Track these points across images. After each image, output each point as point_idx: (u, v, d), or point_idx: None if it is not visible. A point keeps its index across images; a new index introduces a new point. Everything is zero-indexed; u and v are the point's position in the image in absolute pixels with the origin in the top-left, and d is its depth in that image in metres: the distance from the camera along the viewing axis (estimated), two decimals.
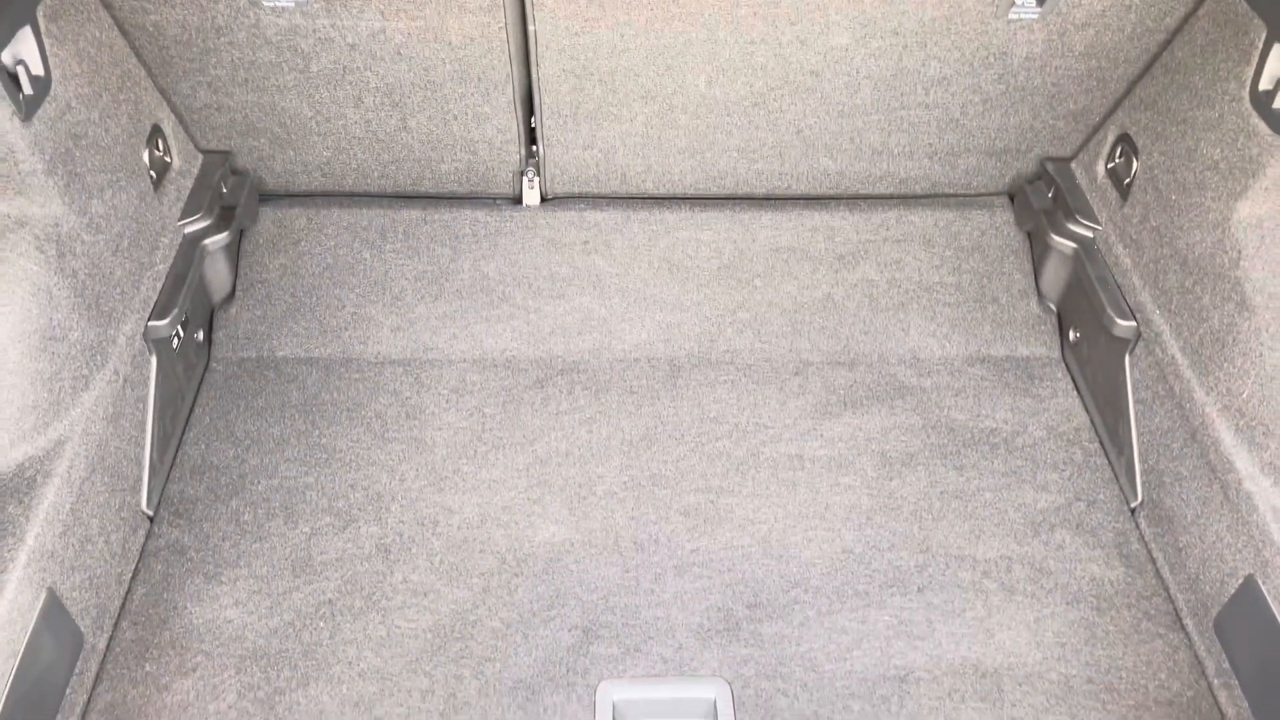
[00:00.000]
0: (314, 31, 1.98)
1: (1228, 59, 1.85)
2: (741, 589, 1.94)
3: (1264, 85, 1.74)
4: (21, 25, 1.61)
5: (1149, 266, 2.08)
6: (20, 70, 1.60)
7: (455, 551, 1.97)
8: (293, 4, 1.91)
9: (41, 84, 1.67)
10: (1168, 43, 2.03)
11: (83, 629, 1.73)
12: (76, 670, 1.72)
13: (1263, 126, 1.75)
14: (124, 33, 1.96)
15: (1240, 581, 1.76)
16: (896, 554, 2.00)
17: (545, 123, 2.25)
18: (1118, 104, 2.21)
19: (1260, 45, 1.75)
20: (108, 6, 1.89)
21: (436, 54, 2.05)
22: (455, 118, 2.23)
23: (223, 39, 2.00)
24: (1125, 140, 2.19)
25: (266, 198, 2.46)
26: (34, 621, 1.57)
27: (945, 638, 1.88)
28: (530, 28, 1.98)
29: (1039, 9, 1.95)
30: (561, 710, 1.76)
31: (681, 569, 1.97)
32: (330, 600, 1.89)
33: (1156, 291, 2.04)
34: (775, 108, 2.21)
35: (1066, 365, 2.37)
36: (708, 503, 2.07)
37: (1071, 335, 2.37)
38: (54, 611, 1.64)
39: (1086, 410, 2.27)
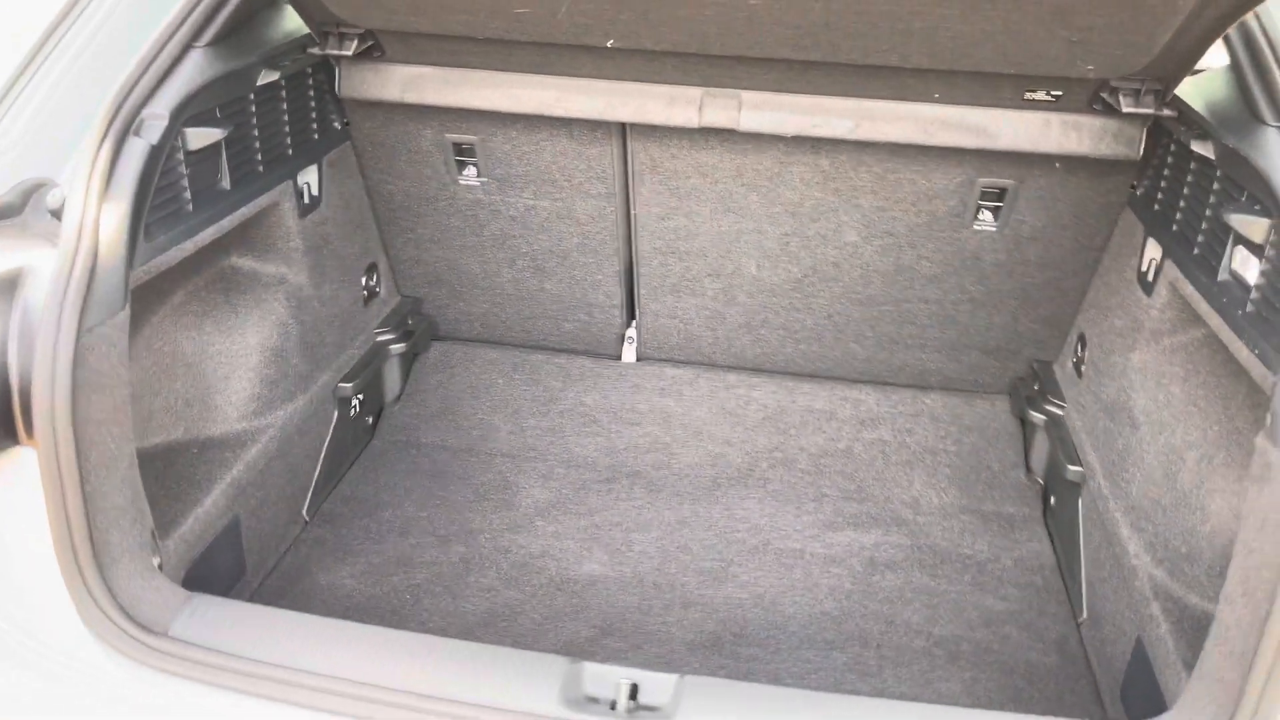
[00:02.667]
0: (489, 204, 2.93)
1: (1128, 257, 2.50)
2: (732, 624, 2.43)
3: (1142, 267, 2.37)
4: (312, 163, 2.61)
5: (1090, 423, 2.60)
6: (304, 187, 2.58)
7: (517, 570, 2.57)
8: (479, 184, 2.88)
9: (316, 201, 2.65)
10: (1100, 257, 2.69)
11: (247, 564, 2.42)
12: (232, 593, 2.38)
13: (1141, 294, 2.35)
14: (368, 193, 2.96)
15: (1133, 646, 2.13)
16: (866, 622, 2.45)
17: (641, 291, 3.07)
18: (1078, 310, 2.84)
19: (1141, 240, 2.40)
20: (363, 173, 2.91)
21: (568, 228, 2.94)
22: (578, 282, 3.09)
23: (429, 206, 2.97)
24: (1081, 338, 2.79)
25: (438, 337, 3.35)
26: (219, 532, 2.28)
27: (891, 678, 2.29)
28: (632, 211, 2.85)
29: (995, 223, 2.67)
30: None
31: (687, 605, 2.48)
32: (418, 585, 2.51)
33: (1093, 440, 2.55)
34: (810, 292, 2.95)
35: (1046, 525, 2.82)
36: (719, 568, 2.61)
37: (1051, 501, 2.84)
38: (233, 534, 2.34)
39: (1055, 553, 2.70)
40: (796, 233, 2.80)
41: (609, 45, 2.24)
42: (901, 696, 2.24)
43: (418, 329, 3.20)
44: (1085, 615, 2.46)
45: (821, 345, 3.09)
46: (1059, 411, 2.82)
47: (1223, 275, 1.96)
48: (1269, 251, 1.77)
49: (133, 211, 1.83)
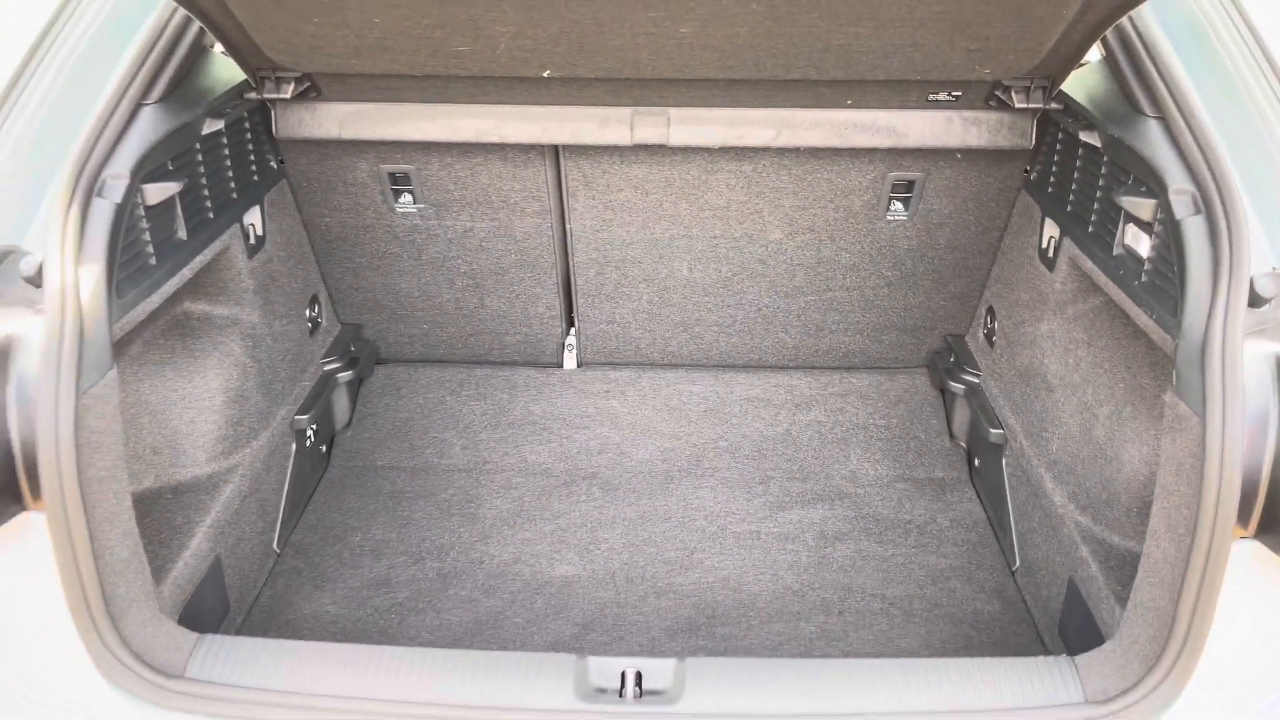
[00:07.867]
0: (427, 229, 3.01)
1: (1028, 235, 2.75)
2: (704, 608, 2.59)
3: (1042, 244, 2.62)
4: (254, 204, 2.66)
5: (1007, 389, 2.85)
6: (250, 228, 2.62)
7: (493, 579, 2.68)
8: (415, 209, 2.96)
9: (260, 240, 2.70)
10: (1001, 237, 2.93)
11: (230, 601, 2.47)
12: (219, 631, 2.43)
13: (1043, 269, 2.60)
14: (305, 227, 3.01)
15: (1065, 586, 2.37)
16: (825, 591, 2.64)
17: (579, 300, 3.20)
18: (985, 286, 3.09)
19: (1039, 220, 2.65)
20: (299, 208, 2.96)
21: (506, 246, 3.05)
22: (517, 297, 3.20)
23: (366, 235, 3.04)
24: (990, 310, 3.04)
25: (381, 361, 3.41)
26: (204, 574, 2.33)
27: (857, 641, 2.49)
28: (568, 226, 2.98)
29: (906, 212, 2.89)
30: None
31: (660, 594, 2.63)
32: (400, 604, 2.60)
33: (1011, 404, 2.80)
34: (739, 290, 3.13)
35: (973, 485, 3.07)
36: (684, 556, 2.76)
37: (976, 463, 3.09)
38: (217, 575, 2.39)
39: (984, 510, 2.94)
40: (725, 235, 2.97)
41: (545, 75, 2.36)
42: (867, 656, 2.43)
43: (361, 355, 3.26)
44: (1018, 564, 2.70)
45: (753, 337, 3.28)
46: (975, 380, 3.07)
47: (1117, 250, 2.20)
48: (1157, 228, 2.01)
49: (107, 273, 1.88)
